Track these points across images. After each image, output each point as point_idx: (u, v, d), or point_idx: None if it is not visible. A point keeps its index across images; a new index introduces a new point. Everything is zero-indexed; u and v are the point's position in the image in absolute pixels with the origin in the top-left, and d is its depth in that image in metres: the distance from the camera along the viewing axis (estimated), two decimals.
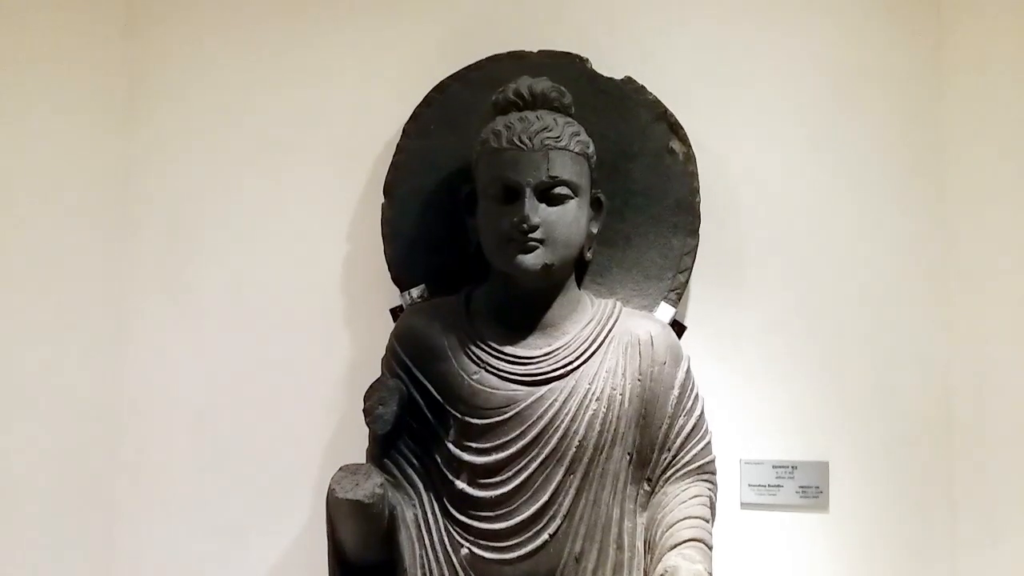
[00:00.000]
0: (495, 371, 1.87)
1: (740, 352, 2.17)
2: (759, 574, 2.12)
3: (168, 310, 2.30)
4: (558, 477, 1.83)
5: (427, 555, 1.84)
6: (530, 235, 1.82)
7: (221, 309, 2.28)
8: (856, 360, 2.17)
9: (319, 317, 2.23)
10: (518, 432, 1.84)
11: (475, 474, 1.85)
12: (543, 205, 1.83)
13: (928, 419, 2.16)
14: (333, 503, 1.70)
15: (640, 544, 1.87)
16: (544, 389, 1.85)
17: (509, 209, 1.83)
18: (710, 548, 1.81)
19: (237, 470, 2.23)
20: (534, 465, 1.83)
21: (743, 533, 2.12)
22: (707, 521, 1.85)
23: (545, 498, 1.82)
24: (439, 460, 1.88)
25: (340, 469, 1.73)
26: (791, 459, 2.14)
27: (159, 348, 2.29)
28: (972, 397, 2.14)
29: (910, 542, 2.12)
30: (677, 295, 2.07)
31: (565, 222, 1.85)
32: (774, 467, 2.14)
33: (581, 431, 1.83)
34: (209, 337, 2.28)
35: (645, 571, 1.84)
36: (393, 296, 2.12)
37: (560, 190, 1.84)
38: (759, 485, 2.14)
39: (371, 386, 1.87)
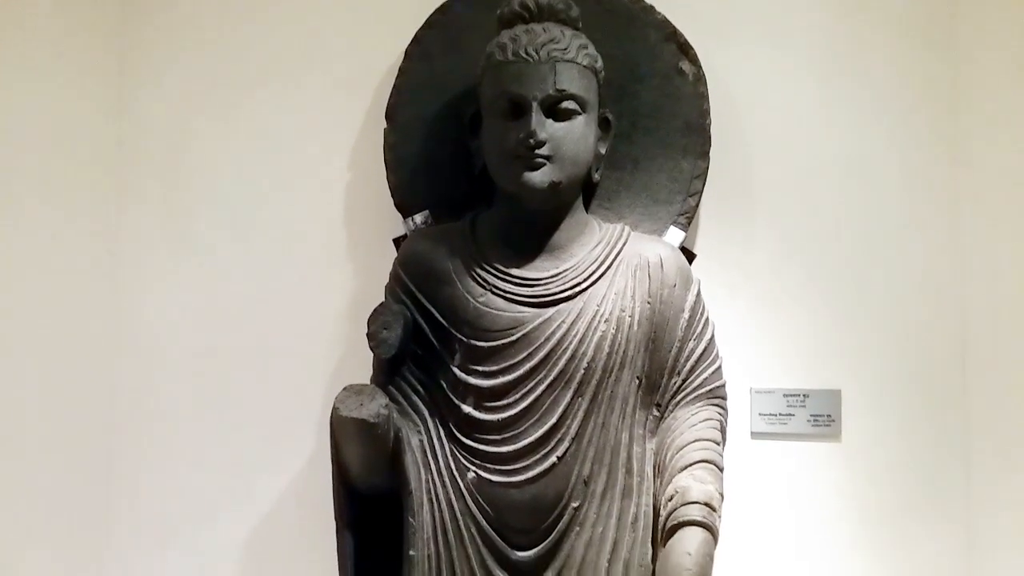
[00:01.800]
0: (501, 293, 1.83)
1: (751, 280, 2.12)
2: (770, 504, 2.09)
3: (166, 243, 2.25)
4: (566, 400, 1.79)
5: (433, 479, 1.81)
6: (537, 151, 1.77)
7: (220, 241, 2.23)
8: (869, 287, 2.12)
9: (321, 248, 2.19)
10: (525, 354, 1.80)
11: (481, 398, 1.81)
12: (550, 121, 1.78)
13: (942, 346, 2.11)
14: (337, 422, 1.67)
15: (649, 469, 1.83)
16: (551, 311, 1.81)
17: (515, 125, 1.79)
18: (721, 470, 1.79)
19: (239, 405, 2.19)
20: (541, 388, 1.79)
21: (753, 463, 2.09)
22: (718, 444, 1.82)
23: (553, 421, 1.79)
24: (444, 385, 1.84)
25: (344, 389, 1.70)
26: (803, 388, 2.10)
27: (156, 282, 2.25)
28: (987, 324, 2.10)
29: (924, 471, 2.09)
30: (687, 219, 2.02)
31: (573, 138, 1.80)
32: (785, 396, 2.10)
33: (589, 353, 1.80)
34: (208, 270, 2.23)
35: (654, 495, 1.81)
36: (396, 226, 2.08)
37: (567, 104, 1.79)
38: (770, 414, 2.10)
39: (375, 310, 1.83)
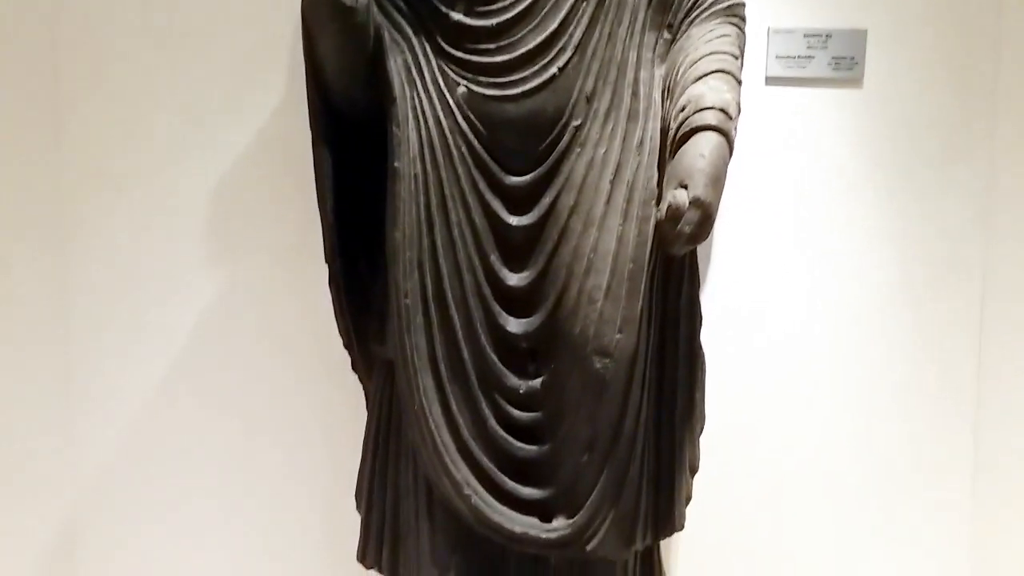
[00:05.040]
0: None
1: None
2: (786, 155, 1.94)
3: None
4: (569, 2, 1.59)
5: (419, 95, 1.61)
6: None
7: None
8: None
9: None
10: None
11: (473, 2, 1.60)
12: None
13: None
14: (309, 3, 1.46)
15: (657, 95, 1.65)
16: None
17: None
18: (739, 83, 1.61)
19: (196, 47, 1.94)
20: None
21: (769, 111, 1.92)
22: (736, 58, 1.63)
23: (554, 26, 1.59)
24: None
25: None
26: (825, 27, 1.90)
27: None
28: None
29: (950, 122, 1.93)
30: None
31: None
32: (806, 36, 1.91)
33: None
34: None
35: (663, 119, 1.65)
36: None
37: None
38: (788, 57, 1.92)
39: None
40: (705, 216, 1.46)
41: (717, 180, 1.48)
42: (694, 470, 1.77)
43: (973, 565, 2.00)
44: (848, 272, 1.96)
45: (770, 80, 1.92)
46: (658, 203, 1.58)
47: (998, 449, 1.94)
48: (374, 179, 1.67)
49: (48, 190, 1.96)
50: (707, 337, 1.74)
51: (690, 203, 1.45)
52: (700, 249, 1.74)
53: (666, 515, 1.71)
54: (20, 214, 1.94)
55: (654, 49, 1.66)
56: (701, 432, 1.76)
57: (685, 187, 1.46)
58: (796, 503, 1.98)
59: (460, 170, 1.62)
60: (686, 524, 1.73)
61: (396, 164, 1.58)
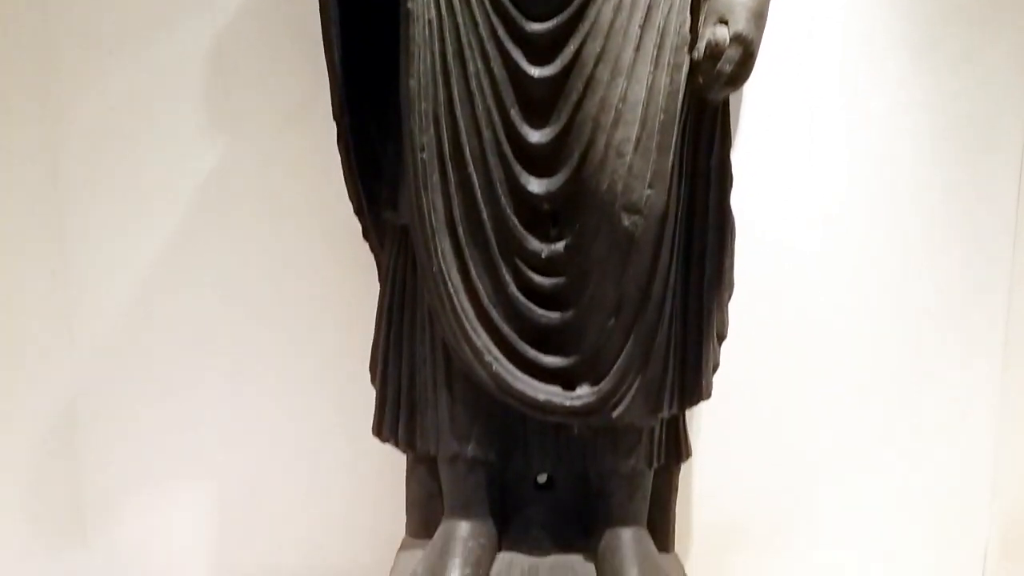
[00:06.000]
0: None
1: None
2: (817, 14, 1.83)
3: None
4: None
5: None
6: None
7: None
8: None
9: None
10: None
11: None
12: None
13: None
14: None
15: None
16: None
17: None
18: None
19: None
20: None
21: None
22: None
23: None
24: None
25: None
26: None
27: None
28: None
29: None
30: None
31: None
32: None
33: None
34: None
35: None
36: None
37: None
38: None
39: None
40: (747, 54, 1.36)
41: (760, 16, 1.38)
42: (722, 337, 1.70)
43: (1001, 423, 1.97)
44: (881, 134, 1.87)
45: None
46: (691, 48, 1.48)
47: None
48: (384, 34, 1.56)
49: (35, 53, 1.83)
50: (735, 198, 1.65)
51: (731, 39, 1.35)
52: (731, 106, 1.64)
53: (693, 383, 1.65)
54: (5, 81, 1.82)
55: None
56: (730, 299, 1.69)
57: (725, 23, 1.36)
58: (823, 373, 1.93)
59: (478, 15, 1.50)
60: (713, 393, 1.67)
61: (409, 5, 1.47)
